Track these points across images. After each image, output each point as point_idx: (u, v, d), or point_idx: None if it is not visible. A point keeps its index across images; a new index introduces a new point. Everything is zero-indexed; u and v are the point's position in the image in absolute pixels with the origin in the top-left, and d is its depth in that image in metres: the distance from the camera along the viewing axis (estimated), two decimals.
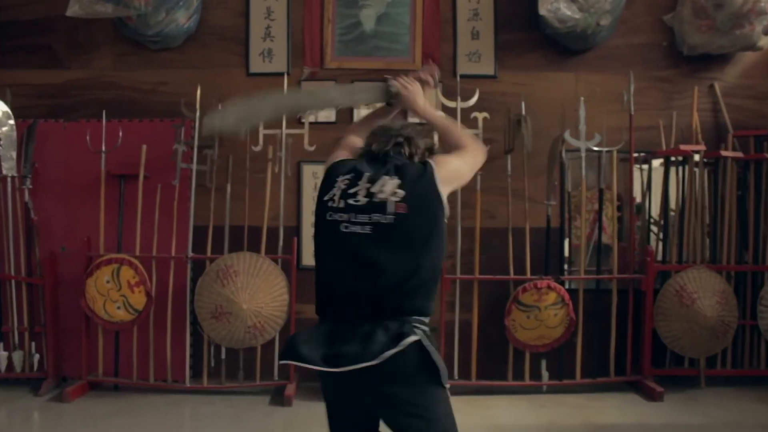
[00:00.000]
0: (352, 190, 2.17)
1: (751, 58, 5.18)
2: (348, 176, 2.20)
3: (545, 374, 4.72)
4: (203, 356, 4.75)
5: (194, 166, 4.76)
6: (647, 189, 5.13)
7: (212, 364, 4.76)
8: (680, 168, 5.01)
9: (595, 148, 4.80)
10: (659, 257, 4.98)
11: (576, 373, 4.75)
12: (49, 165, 4.96)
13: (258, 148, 4.76)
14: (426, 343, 2.07)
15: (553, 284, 4.65)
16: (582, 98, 4.83)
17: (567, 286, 4.75)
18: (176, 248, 4.72)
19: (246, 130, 2.33)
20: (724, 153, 4.90)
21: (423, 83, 2.39)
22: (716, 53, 5.06)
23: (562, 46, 5.09)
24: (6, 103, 4.83)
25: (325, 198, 2.19)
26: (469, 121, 4.75)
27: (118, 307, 4.65)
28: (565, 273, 4.90)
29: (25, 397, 4.63)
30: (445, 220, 2.22)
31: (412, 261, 2.11)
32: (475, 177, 4.61)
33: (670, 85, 5.19)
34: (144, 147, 4.76)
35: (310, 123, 4.85)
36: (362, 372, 1.99)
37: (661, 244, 5.08)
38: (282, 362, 2.11)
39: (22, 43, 5.12)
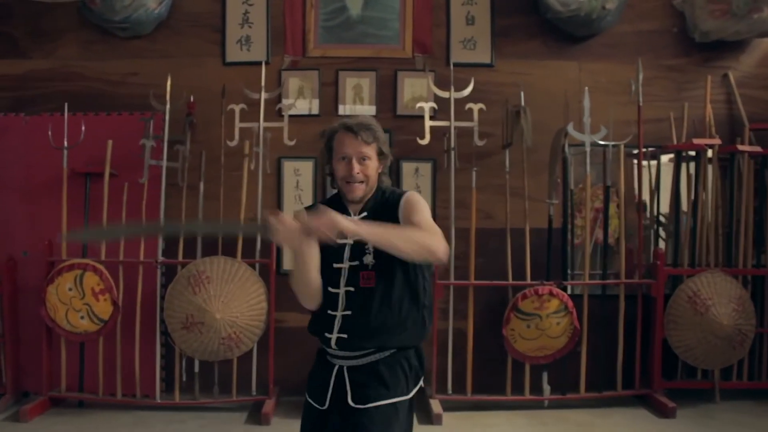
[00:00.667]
0: None
1: None
2: None
3: (547, 388, 4.50)
4: (175, 369, 4.46)
5: (164, 163, 4.47)
6: (655, 186, 4.83)
7: (184, 379, 4.47)
8: (690, 164, 4.75)
9: (601, 142, 4.52)
10: (669, 260, 4.71)
11: (580, 387, 4.52)
12: (9, 162, 4.68)
13: (233, 144, 4.49)
14: None
15: (556, 290, 4.36)
16: (586, 88, 4.57)
17: (570, 292, 4.49)
18: (145, 252, 4.43)
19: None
20: (740, 147, 4.62)
21: (311, 232, 2.02)
22: (731, 40, 4.84)
23: (565, 32, 4.86)
24: None
25: None
26: (463, 113, 4.50)
27: (82, 317, 4.35)
28: (569, 277, 4.57)
29: None
30: None
31: None
32: (470, 174, 4.41)
33: (680, 74, 4.97)
34: (110, 142, 4.48)
35: (291, 116, 4.56)
36: None
37: (671, 245, 4.79)
38: None
39: None
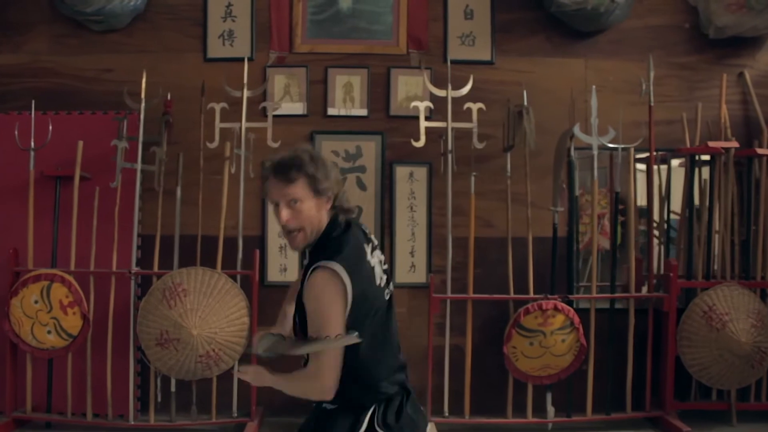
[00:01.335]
0: (377, 266, 2.16)
1: None
2: (368, 248, 2.16)
3: (551, 410, 4.26)
4: (150, 388, 4.21)
5: (139, 166, 4.22)
6: (666, 193, 4.58)
7: (159, 398, 4.21)
8: (703, 168, 4.52)
9: (610, 145, 4.27)
10: (681, 271, 4.45)
11: (587, 409, 4.30)
12: None
13: (213, 145, 4.25)
14: None
15: (561, 305, 4.11)
16: (593, 87, 4.34)
17: (575, 306, 4.24)
18: (118, 262, 4.17)
19: None
20: (759, 151, 4.39)
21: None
22: (747, 36, 4.63)
23: (570, 28, 4.66)
24: None
25: (377, 283, 2.13)
26: (462, 114, 4.27)
27: (49, 332, 4.08)
28: (575, 290, 4.31)
29: None
30: None
31: None
32: (468, 179, 4.18)
33: (693, 72, 4.77)
34: (80, 143, 4.23)
35: (275, 116, 4.31)
36: None
37: (684, 256, 4.53)
38: None
39: None
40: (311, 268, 2.00)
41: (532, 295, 4.19)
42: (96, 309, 4.15)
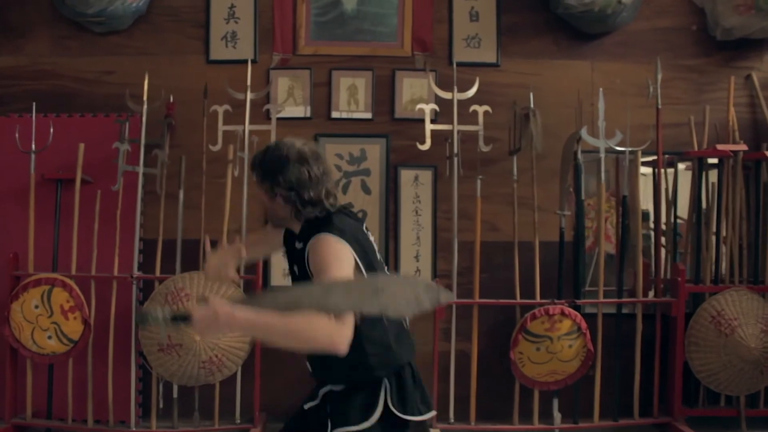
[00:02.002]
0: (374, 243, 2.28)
1: None
2: (362, 226, 2.28)
3: (557, 416, 4.21)
4: (152, 394, 4.15)
5: (141, 169, 4.16)
6: (673, 196, 4.52)
7: (161, 404, 4.16)
8: (709, 171, 4.46)
9: (618, 148, 4.22)
10: (689, 276, 4.37)
11: (594, 415, 4.23)
12: None
13: (216, 148, 4.18)
14: None
15: (568, 310, 4.05)
16: (600, 90, 4.28)
17: (582, 311, 4.19)
18: (119, 266, 4.11)
19: None
20: None
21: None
22: (756, 38, 4.55)
23: (577, 30, 4.59)
24: None
25: (378, 257, 2.25)
26: (467, 117, 4.21)
27: (50, 337, 4.01)
28: (582, 295, 4.24)
29: None
30: None
31: None
32: (474, 182, 4.14)
33: (700, 75, 4.70)
34: (81, 146, 4.16)
35: (279, 118, 4.27)
36: None
37: (691, 260, 4.46)
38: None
39: None
40: (310, 240, 2.10)
41: (538, 299, 4.12)
42: (97, 314, 4.08)
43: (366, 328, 2.07)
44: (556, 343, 4.00)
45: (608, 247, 4.43)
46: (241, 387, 4.13)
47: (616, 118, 4.28)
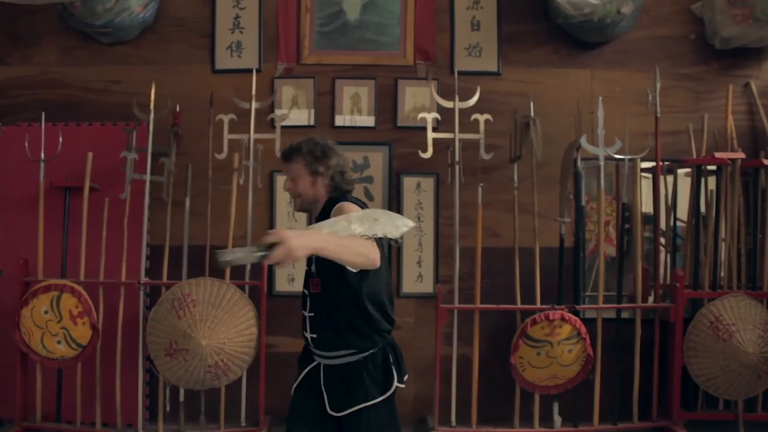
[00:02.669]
0: None
1: None
2: None
3: (558, 419, 4.24)
4: (159, 398, 4.19)
5: (148, 177, 4.21)
6: (672, 203, 4.56)
7: (168, 408, 4.20)
8: (708, 178, 4.49)
9: (617, 156, 4.25)
10: (688, 281, 4.40)
11: (593, 418, 4.25)
12: None
13: (222, 156, 4.24)
14: None
15: (568, 315, 4.08)
16: (600, 98, 4.31)
17: (582, 316, 4.21)
18: (127, 272, 4.15)
19: None
20: (766, 161, 4.34)
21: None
22: (754, 47, 4.61)
23: (576, 39, 4.64)
24: None
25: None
26: (468, 125, 4.25)
27: (59, 342, 4.07)
28: (582, 301, 4.28)
29: None
30: None
31: None
32: (475, 189, 4.17)
33: (699, 83, 4.74)
34: (90, 154, 4.21)
35: (284, 127, 4.32)
36: None
37: (690, 266, 4.48)
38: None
39: None
40: (332, 209, 2.51)
41: (539, 305, 4.15)
42: (105, 319, 4.13)
43: (366, 285, 2.47)
44: (556, 348, 4.04)
45: (610, 249, 4.47)
46: (247, 391, 4.18)
47: (615, 126, 4.32)
